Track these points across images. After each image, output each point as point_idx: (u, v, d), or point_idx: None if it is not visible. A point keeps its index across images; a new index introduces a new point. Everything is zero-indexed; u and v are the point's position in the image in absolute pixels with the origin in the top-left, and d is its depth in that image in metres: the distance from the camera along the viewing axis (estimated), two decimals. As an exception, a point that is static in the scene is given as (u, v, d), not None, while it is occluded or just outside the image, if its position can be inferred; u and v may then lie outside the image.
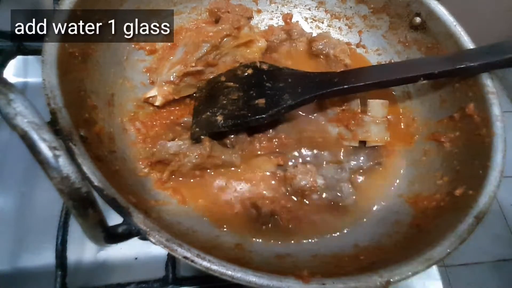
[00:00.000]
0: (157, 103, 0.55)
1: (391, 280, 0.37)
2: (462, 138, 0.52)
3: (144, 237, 0.36)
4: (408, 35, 0.62)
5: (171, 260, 0.51)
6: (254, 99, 0.53)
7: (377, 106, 0.58)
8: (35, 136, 0.25)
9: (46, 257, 0.49)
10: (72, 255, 0.47)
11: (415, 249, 0.42)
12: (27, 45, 0.59)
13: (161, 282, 0.49)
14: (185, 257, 0.34)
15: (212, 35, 0.56)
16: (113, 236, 0.33)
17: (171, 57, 0.57)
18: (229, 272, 0.34)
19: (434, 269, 0.55)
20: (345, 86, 0.53)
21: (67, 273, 0.46)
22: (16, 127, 0.25)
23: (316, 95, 0.53)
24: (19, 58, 0.61)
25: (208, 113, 0.53)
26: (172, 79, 0.54)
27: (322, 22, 0.70)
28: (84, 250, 0.52)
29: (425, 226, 0.47)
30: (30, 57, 0.61)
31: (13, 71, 0.62)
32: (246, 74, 0.56)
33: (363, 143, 0.57)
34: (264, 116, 0.51)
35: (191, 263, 0.34)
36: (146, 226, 0.35)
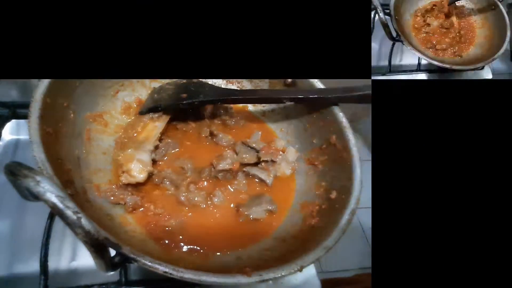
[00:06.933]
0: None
1: (303, 265, 0.53)
2: (330, 160, 0.74)
3: (131, 262, 0.49)
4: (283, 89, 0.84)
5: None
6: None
7: (291, 152, 0.80)
8: (62, 206, 0.37)
9: (33, 266, 0.63)
10: (52, 264, 0.62)
11: (313, 241, 0.57)
12: (19, 112, 0.77)
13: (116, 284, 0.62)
14: (165, 272, 0.47)
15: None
16: (114, 265, 0.46)
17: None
18: (198, 278, 0.48)
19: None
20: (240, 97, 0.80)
21: (48, 277, 0.59)
22: (47, 201, 0.37)
23: (220, 99, 0.77)
24: (13, 121, 0.79)
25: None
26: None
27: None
28: (60, 261, 0.69)
29: (315, 224, 0.66)
30: (21, 120, 0.80)
31: (8, 130, 0.81)
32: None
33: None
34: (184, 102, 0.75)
35: (170, 275, 0.47)
36: (133, 254, 0.47)
